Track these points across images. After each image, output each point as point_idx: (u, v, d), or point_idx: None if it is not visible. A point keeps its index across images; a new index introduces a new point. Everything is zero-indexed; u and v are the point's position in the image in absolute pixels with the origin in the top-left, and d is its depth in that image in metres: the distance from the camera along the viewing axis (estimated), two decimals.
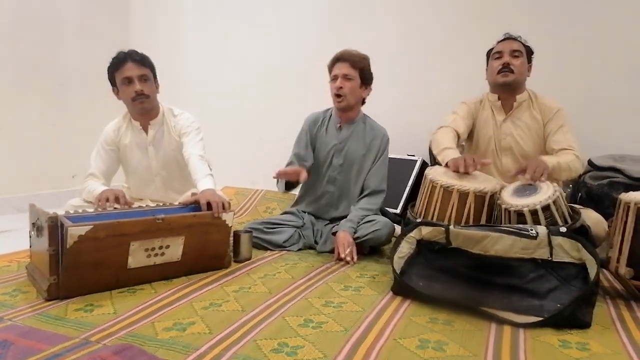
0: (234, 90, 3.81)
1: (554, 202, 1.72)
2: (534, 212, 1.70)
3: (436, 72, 3.16)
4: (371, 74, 2.34)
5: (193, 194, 2.02)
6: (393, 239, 2.09)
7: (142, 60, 2.13)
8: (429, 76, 3.18)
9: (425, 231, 1.74)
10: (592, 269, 1.49)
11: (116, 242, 1.61)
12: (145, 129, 2.24)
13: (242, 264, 2.02)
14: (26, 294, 1.61)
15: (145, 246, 1.68)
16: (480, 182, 1.91)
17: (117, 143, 2.25)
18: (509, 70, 2.16)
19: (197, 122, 2.27)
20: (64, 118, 3.59)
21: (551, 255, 1.55)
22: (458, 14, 3.09)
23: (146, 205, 1.99)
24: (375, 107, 2.48)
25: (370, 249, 2.24)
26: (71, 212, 1.79)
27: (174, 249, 1.76)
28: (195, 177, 2.06)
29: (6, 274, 1.81)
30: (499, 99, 2.25)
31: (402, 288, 1.67)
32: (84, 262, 1.56)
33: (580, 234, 1.66)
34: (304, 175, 2.18)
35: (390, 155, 2.45)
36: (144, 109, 2.16)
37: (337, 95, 2.29)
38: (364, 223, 2.20)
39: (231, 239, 1.98)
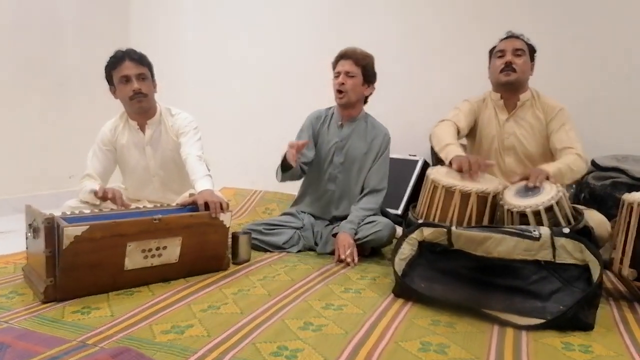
0: (234, 91, 3.80)
1: (557, 202, 1.70)
2: (536, 213, 1.69)
3: (436, 72, 3.15)
4: (375, 72, 2.34)
5: (191, 195, 2.00)
6: (394, 240, 2.08)
7: (140, 59, 2.11)
8: (429, 76, 3.17)
9: (427, 232, 1.73)
10: (595, 270, 1.48)
11: (113, 243, 1.59)
12: (142, 128, 2.22)
13: (241, 266, 2.01)
14: (23, 296, 1.59)
15: (142, 247, 1.66)
16: (482, 183, 1.90)
17: (114, 143, 2.23)
18: (511, 70, 2.14)
19: (195, 122, 2.25)
20: (64, 118, 3.58)
21: (554, 256, 1.54)
22: (458, 14, 3.08)
23: (143, 207, 1.97)
24: (375, 107, 2.47)
25: (371, 251, 2.23)
26: (68, 213, 1.77)
27: (171, 250, 1.74)
28: (193, 177, 2.04)
29: (3, 276, 1.79)
30: (501, 98, 2.23)
31: (403, 290, 1.65)
32: (80, 263, 1.54)
33: (584, 234, 1.65)
34: (304, 143, 2.16)
35: (392, 156, 2.44)
36: (141, 108, 2.14)
37: (339, 92, 2.30)
38: (364, 224, 2.18)
39: (229, 240, 1.96)
